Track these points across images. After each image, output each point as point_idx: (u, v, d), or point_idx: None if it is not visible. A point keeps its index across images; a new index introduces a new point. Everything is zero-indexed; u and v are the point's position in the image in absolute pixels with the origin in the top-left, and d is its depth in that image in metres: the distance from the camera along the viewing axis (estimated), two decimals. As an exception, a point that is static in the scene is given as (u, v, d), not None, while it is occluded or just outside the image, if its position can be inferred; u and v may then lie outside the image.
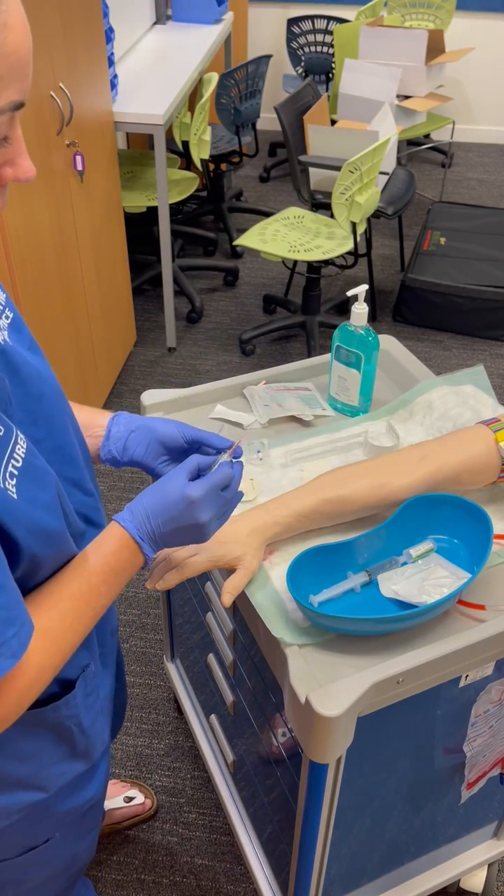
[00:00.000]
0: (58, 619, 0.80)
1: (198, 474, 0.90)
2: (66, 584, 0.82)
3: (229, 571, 1.10)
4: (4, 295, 0.87)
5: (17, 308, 0.90)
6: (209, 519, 0.88)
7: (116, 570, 0.85)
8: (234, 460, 0.94)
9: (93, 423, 1.02)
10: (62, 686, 0.96)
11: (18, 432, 0.76)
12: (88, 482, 0.96)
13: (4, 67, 0.57)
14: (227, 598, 1.07)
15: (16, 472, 0.74)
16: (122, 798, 1.81)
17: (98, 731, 1.06)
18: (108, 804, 1.80)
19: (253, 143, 3.94)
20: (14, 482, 0.73)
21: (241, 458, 0.93)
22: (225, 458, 0.93)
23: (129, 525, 0.86)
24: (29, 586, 0.82)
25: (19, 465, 0.75)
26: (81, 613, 0.83)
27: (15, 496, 0.73)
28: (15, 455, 0.74)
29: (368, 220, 3.28)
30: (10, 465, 0.73)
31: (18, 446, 0.75)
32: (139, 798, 1.81)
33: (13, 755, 0.94)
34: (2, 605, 0.72)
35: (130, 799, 1.81)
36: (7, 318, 0.85)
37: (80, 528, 0.91)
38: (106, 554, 0.85)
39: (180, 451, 1.01)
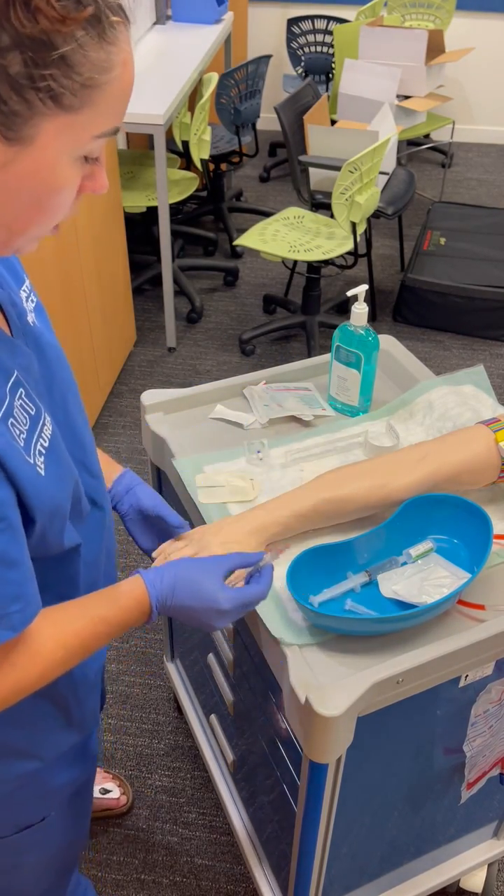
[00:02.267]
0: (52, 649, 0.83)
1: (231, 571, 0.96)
2: (73, 621, 0.85)
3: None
4: (29, 281, 0.91)
5: None
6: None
7: (123, 624, 0.88)
8: (261, 567, 0.99)
9: (104, 475, 1.10)
10: None
11: (46, 414, 0.80)
12: (95, 464, 0.99)
13: (118, 98, 0.66)
14: None
15: (44, 451, 0.78)
16: (98, 788, 1.82)
17: (91, 704, 1.07)
18: None
19: (253, 143, 3.94)
20: (42, 460, 0.77)
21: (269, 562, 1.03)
22: (263, 564, 0.98)
23: (152, 592, 0.89)
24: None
25: (47, 444, 0.79)
26: (76, 653, 0.85)
27: (42, 473, 0.76)
28: (43, 435, 0.79)
29: (368, 220, 3.28)
30: (40, 443, 0.78)
31: (46, 427, 0.80)
32: (115, 792, 1.82)
33: (9, 722, 0.95)
34: (13, 581, 0.73)
35: (106, 791, 1.82)
36: (32, 301, 0.89)
37: (87, 509, 0.95)
38: (122, 608, 0.88)
39: (151, 518, 1.12)
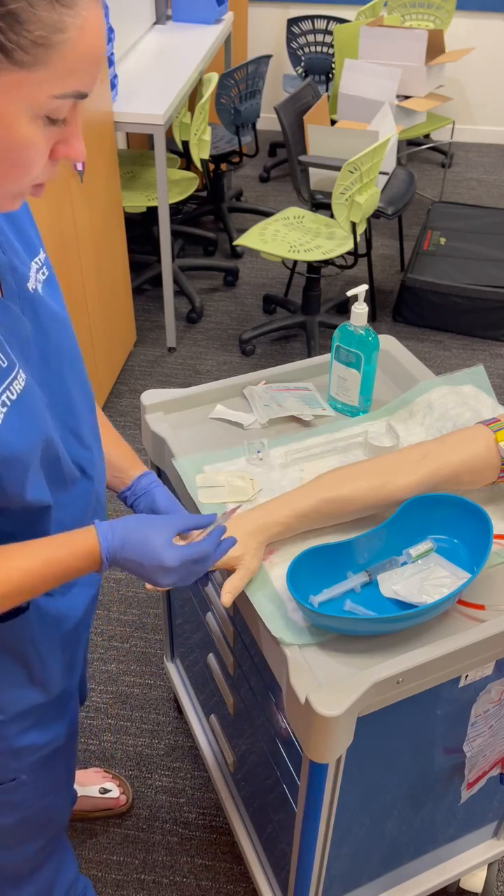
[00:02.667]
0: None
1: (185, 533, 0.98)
2: (25, 559, 0.88)
3: (229, 571, 1.10)
4: (45, 255, 0.95)
5: None
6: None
7: (72, 569, 0.91)
8: (224, 538, 1.01)
9: (125, 471, 1.15)
10: (13, 609, 0.99)
11: (21, 371, 0.84)
12: (87, 436, 1.02)
13: (76, 62, 0.68)
14: (227, 599, 1.07)
15: (8, 403, 0.81)
16: (97, 788, 1.82)
17: (56, 664, 1.08)
18: (83, 792, 1.81)
19: (253, 143, 3.94)
20: (5, 410, 0.81)
21: (228, 531, 1.05)
22: (213, 527, 0.99)
23: (103, 544, 0.91)
24: None
25: (13, 398, 0.82)
26: (21, 590, 0.88)
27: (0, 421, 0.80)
28: (11, 388, 0.82)
29: (368, 220, 3.28)
30: (6, 395, 0.81)
31: (17, 382, 0.83)
32: (114, 792, 1.82)
33: None
34: None
35: (106, 791, 1.82)
36: (44, 273, 0.94)
37: (74, 475, 0.99)
38: (72, 554, 0.90)
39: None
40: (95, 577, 1.15)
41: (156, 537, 0.93)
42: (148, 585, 1.08)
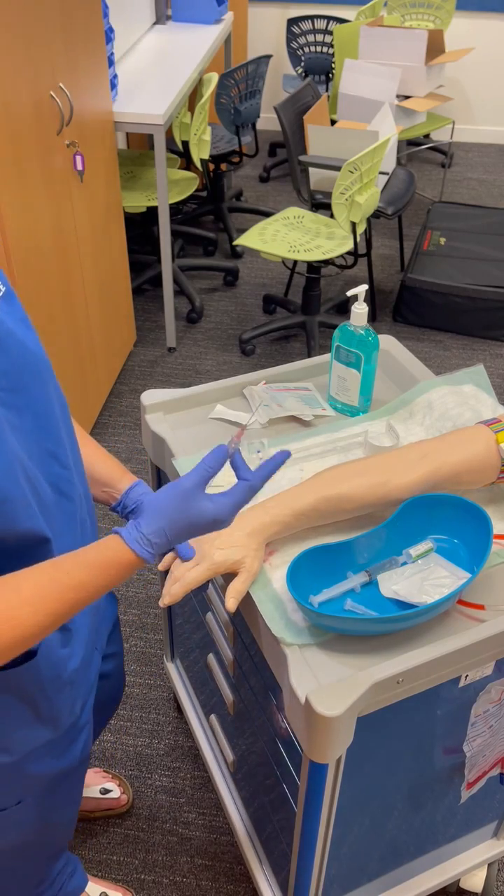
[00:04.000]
0: (17, 603, 0.81)
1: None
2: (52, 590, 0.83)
3: (231, 574, 1.10)
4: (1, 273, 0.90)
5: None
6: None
7: (113, 585, 0.87)
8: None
9: (112, 484, 1.11)
10: (23, 655, 0.97)
11: None
12: (66, 455, 0.98)
13: None
14: (232, 604, 1.07)
15: None
16: (98, 788, 1.82)
17: (66, 702, 1.07)
18: (84, 792, 1.80)
19: (253, 143, 3.94)
20: None
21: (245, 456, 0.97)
22: (231, 451, 0.92)
23: (143, 555, 0.87)
24: None
25: None
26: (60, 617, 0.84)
27: None
28: None
29: (368, 220, 3.28)
30: None
31: None
32: (115, 792, 1.82)
33: None
34: None
35: (107, 791, 1.82)
36: None
37: (48, 498, 0.93)
38: (117, 576, 0.86)
39: None
40: (96, 607, 1.14)
41: (194, 505, 0.87)
42: (164, 600, 1.08)
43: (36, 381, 0.91)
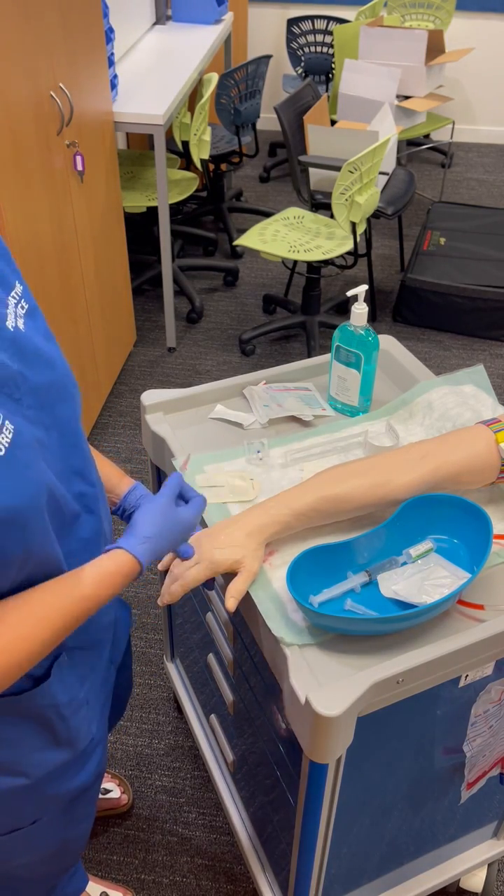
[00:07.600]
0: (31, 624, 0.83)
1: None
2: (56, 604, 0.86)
3: (231, 575, 1.10)
4: (23, 286, 0.89)
5: None
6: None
7: (118, 591, 0.91)
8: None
9: (111, 489, 1.12)
10: (36, 678, 0.97)
11: (7, 420, 0.76)
12: (92, 472, 0.98)
13: None
14: (232, 603, 1.07)
15: None
16: None
17: (83, 722, 1.07)
18: None
19: (253, 143, 3.94)
20: None
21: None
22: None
23: (143, 562, 0.93)
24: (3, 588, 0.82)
25: (1, 454, 0.74)
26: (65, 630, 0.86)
27: None
28: None
29: (368, 220, 3.28)
30: None
31: (2, 435, 0.75)
32: (115, 792, 1.82)
33: None
34: None
35: (106, 791, 1.82)
36: (23, 307, 0.88)
37: (73, 516, 0.94)
38: (120, 583, 0.91)
39: None
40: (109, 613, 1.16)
41: (172, 511, 0.98)
42: (163, 599, 1.09)
43: (62, 398, 0.90)
